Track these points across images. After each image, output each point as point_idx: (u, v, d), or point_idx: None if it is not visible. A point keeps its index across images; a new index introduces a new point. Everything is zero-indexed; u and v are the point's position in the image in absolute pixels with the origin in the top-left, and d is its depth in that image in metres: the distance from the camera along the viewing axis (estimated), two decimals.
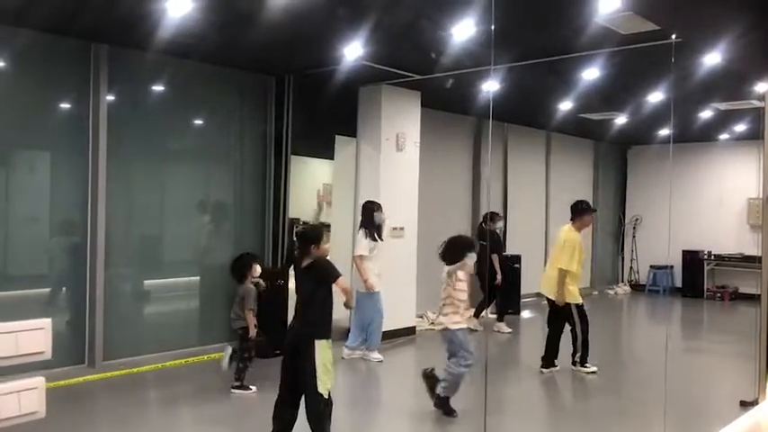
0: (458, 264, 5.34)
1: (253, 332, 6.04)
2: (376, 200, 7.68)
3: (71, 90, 6.51)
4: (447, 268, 5.40)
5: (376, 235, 7.41)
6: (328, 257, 4.71)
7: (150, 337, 7.00)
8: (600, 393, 6.60)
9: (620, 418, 5.89)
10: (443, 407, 5.44)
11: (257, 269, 6.25)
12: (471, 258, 5.37)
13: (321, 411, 4.27)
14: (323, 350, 4.29)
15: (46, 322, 2.10)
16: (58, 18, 5.74)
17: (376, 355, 7.36)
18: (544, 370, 6.94)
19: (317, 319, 4.38)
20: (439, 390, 5.44)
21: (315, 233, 4.63)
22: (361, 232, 7.40)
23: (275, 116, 7.96)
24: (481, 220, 9.71)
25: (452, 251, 5.39)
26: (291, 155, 8.05)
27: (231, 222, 7.82)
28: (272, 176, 7.96)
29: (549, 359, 6.98)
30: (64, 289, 6.55)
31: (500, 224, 9.55)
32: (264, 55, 7.04)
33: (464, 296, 5.45)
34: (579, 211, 7.05)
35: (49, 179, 6.49)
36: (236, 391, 5.98)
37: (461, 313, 5.47)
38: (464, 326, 5.51)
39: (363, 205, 7.60)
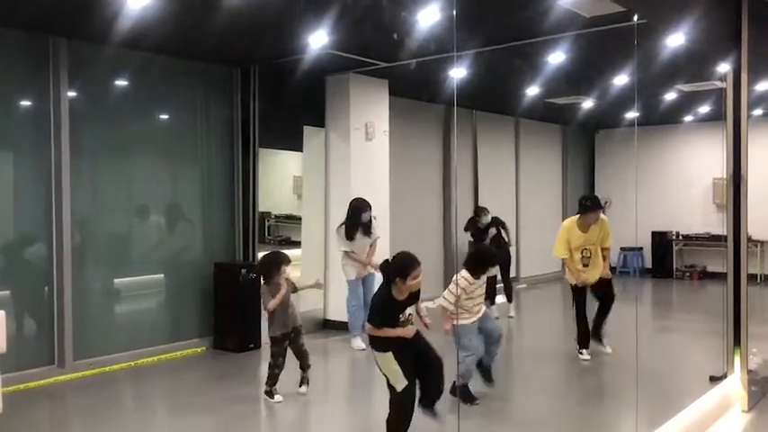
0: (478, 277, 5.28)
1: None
2: (348, 190, 7.60)
3: (30, 86, 6.35)
4: (468, 279, 5.26)
5: (361, 233, 7.40)
6: None
7: (121, 336, 6.90)
8: (572, 373, 6.67)
9: (591, 396, 5.96)
10: (463, 396, 5.24)
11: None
12: (492, 272, 5.43)
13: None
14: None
15: None
16: (10, 10, 5.58)
17: None
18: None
19: None
20: (455, 379, 5.20)
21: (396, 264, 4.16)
22: (338, 233, 7.47)
23: (241, 108, 7.85)
24: (472, 215, 9.58)
25: (476, 264, 5.35)
26: (259, 147, 7.97)
27: (200, 217, 7.72)
28: (241, 170, 7.87)
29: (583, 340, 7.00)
30: (31, 289, 6.41)
31: (487, 218, 9.33)
32: (228, 45, 6.94)
33: (475, 302, 5.35)
34: (581, 207, 7.06)
35: (12, 178, 6.33)
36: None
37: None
38: (468, 321, 5.32)
39: (350, 203, 7.51)
